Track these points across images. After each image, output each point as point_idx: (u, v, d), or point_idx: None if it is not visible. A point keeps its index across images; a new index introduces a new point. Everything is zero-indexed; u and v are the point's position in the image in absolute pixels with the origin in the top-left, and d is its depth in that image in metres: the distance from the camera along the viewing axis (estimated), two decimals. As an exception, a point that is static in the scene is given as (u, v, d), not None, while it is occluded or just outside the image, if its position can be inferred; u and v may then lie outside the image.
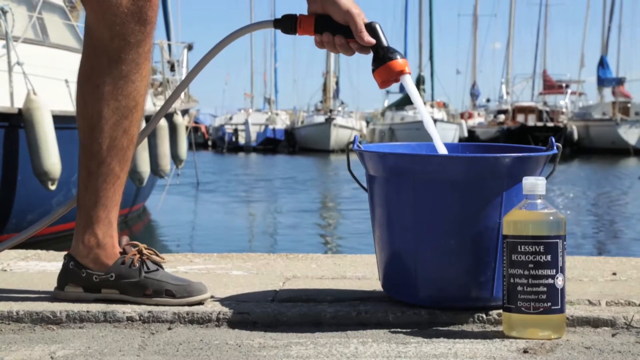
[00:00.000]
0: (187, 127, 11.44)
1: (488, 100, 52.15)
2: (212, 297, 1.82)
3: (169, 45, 12.61)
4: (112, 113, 1.79)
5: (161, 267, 1.84)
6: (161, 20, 14.96)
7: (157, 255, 1.86)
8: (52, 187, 7.19)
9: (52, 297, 1.84)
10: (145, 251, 1.84)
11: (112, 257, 1.82)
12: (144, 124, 1.97)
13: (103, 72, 1.77)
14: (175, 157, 10.59)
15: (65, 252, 1.89)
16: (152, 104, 10.66)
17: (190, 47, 12.09)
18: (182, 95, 11.28)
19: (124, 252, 1.84)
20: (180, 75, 11.33)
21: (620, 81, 38.73)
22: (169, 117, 10.18)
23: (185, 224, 11.50)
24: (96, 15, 1.76)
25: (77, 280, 1.83)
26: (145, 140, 9.01)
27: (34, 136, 7.08)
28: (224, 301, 1.80)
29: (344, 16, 1.73)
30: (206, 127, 45.77)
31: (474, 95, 53.70)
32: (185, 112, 11.74)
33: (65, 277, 1.85)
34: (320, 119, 38.16)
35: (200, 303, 1.77)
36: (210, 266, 2.25)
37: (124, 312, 1.72)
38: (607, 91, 38.92)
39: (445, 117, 39.35)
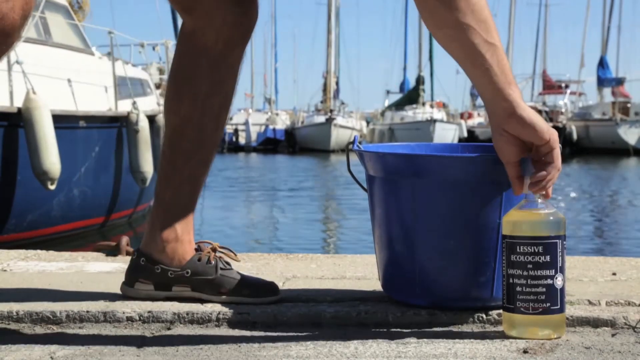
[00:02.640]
0: None
1: (488, 100, 52.01)
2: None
3: None
4: (205, 114, 1.84)
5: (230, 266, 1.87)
6: (168, 21, 14.96)
7: (230, 252, 1.89)
8: (52, 187, 7.18)
9: (121, 293, 1.84)
10: (219, 249, 1.86)
11: (189, 253, 1.84)
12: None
13: (203, 75, 1.82)
14: None
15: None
16: (156, 104, 10.65)
17: None
18: None
19: (198, 249, 1.85)
20: None
21: (620, 81, 38.74)
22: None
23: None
24: (202, 21, 1.80)
25: (150, 276, 1.83)
26: (149, 141, 9.04)
27: (33, 135, 7.07)
28: (223, 301, 1.80)
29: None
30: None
31: (474, 95, 53.71)
32: None
33: (135, 273, 1.85)
34: (321, 119, 38.17)
35: (274, 303, 1.78)
36: (210, 266, 2.25)
37: (123, 312, 1.72)
38: (607, 91, 38.92)
39: (445, 117, 39.35)
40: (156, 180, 1.90)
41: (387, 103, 44.52)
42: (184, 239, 1.85)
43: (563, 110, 40.01)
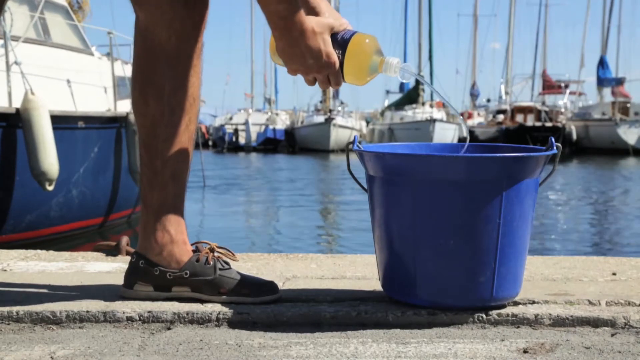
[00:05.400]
0: None
1: (488, 100, 52.20)
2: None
3: None
4: (173, 110, 1.82)
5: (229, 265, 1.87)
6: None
7: (229, 251, 1.89)
8: (50, 188, 7.18)
9: (119, 295, 1.84)
10: (217, 249, 1.86)
11: (186, 254, 1.84)
12: None
13: (164, 72, 1.81)
14: None
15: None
16: None
17: None
18: None
19: (196, 250, 1.85)
20: None
21: (619, 81, 38.73)
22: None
23: (186, 224, 11.45)
24: (153, 16, 1.78)
25: (149, 278, 1.84)
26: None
27: (31, 136, 7.07)
28: (224, 301, 1.80)
29: None
30: (206, 127, 45.82)
31: (474, 95, 53.80)
32: None
33: (135, 275, 1.85)
34: (320, 119, 38.18)
35: (274, 301, 1.78)
36: (210, 266, 2.25)
37: (123, 312, 1.72)
38: (607, 91, 38.92)
39: (445, 117, 39.35)
40: (140, 185, 1.89)
41: (386, 103, 44.54)
42: (178, 240, 1.85)
43: (563, 110, 40.02)
